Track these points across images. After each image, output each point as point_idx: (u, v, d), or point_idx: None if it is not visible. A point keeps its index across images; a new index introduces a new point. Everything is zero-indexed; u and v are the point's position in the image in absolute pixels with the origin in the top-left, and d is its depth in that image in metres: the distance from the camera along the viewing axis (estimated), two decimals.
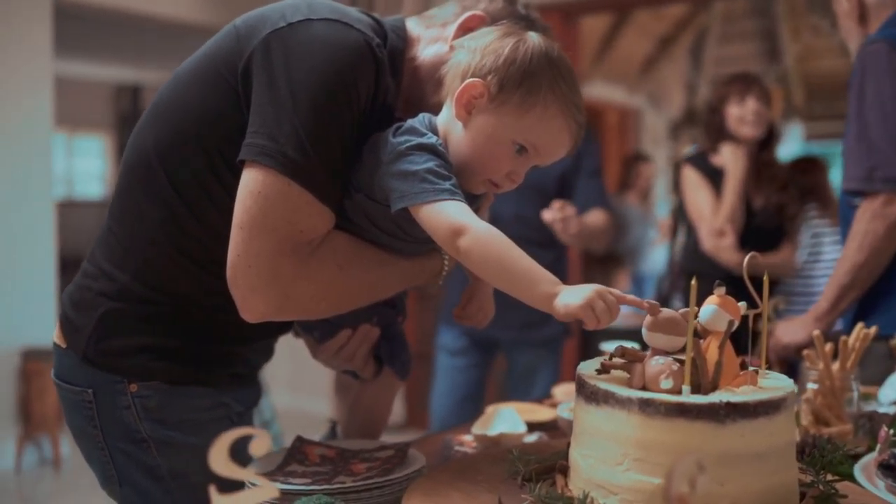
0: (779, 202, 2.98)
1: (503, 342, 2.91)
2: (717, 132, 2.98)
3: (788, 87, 7.72)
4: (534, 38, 1.16)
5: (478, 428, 1.47)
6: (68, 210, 7.45)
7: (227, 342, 1.29)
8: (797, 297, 3.18)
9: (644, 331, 1.00)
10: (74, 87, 9.08)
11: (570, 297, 0.99)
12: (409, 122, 1.19)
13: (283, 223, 1.12)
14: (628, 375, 0.99)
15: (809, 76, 7.68)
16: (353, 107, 1.14)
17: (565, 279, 1.26)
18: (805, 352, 1.50)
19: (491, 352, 2.96)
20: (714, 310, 0.97)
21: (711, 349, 0.98)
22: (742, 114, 2.91)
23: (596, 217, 2.76)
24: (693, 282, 0.93)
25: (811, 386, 1.45)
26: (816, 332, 1.45)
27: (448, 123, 1.19)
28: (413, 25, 1.34)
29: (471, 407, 2.81)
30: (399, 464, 1.24)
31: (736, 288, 1.04)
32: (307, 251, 1.14)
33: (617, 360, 1.02)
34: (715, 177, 2.96)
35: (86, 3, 4.55)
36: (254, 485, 0.81)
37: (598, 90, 7.63)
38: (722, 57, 7.89)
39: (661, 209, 7.23)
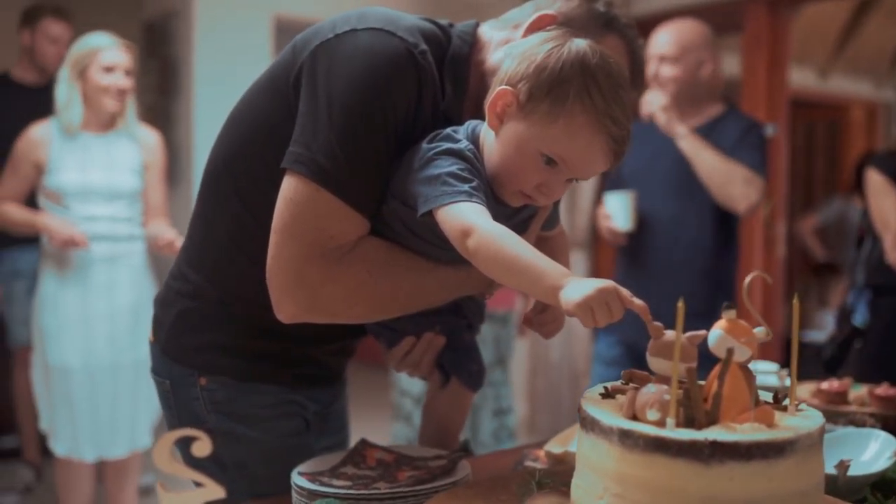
0: None
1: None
2: None
3: None
4: (574, 45, 1.10)
5: (554, 443, 1.41)
6: None
7: (293, 342, 1.33)
8: None
9: (647, 355, 0.92)
10: None
11: (572, 292, 0.92)
12: (449, 129, 1.18)
13: (312, 228, 1.14)
14: None
15: None
16: (387, 114, 1.14)
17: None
18: None
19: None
20: (718, 335, 0.87)
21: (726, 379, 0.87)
22: None
23: None
24: (680, 303, 0.83)
25: None
26: None
27: (486, 133, 1.17)
28: (487, 29, 1.32)
29: None
30: (445, 474, 1.23)
31: None
32: (336, 256, 1.16)
33: (625, 385, 0.94)
34: None
35: (303, 18, 4.88)
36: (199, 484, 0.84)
37: (840, 84, 6.99)
38: None
39: None
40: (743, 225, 3.74)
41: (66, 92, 2.92)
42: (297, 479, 1.20)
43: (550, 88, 1.07)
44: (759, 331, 0.88)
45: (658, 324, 0.90)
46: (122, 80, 2.96)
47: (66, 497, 3.04)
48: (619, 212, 2.69)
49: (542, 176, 1.12)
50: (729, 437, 0.81)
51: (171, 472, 0.80)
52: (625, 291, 0.92)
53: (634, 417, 0.88)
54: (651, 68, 2.71)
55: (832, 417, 1.52)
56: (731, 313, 0.87)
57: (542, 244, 1.40)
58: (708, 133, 2.69)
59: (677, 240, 2.68)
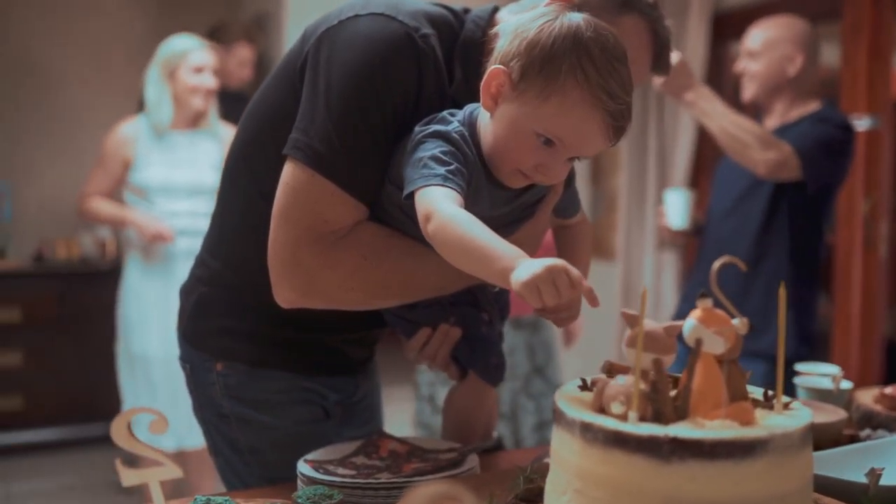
0: None
1: None
2: None
3: None
4: (567, 19, 1.05)
5: None
6: None
7: (307, 330, 1.34)
8: None
9: (623, 346, 0.87)
10: None
11: (521, 272, 0.89)
12: (446, 112, 1.16)
13: (307, 213, 1.15)
14: None
15: None
16: (384, 99, 1.14)
17: None
18: None
19: None
20: (692, 325, 0.81)
21: (697, 372, 0.82)
22: None
23: None
24: (643, 291, 0.78)
25: None
26: None
27: (483, 112, 1.14)
28: (505, 14, 1.29)
29: None
30: (450, 467, 1.21)
31: None
32: (331, 240, 1.16)
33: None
34: None
35: None
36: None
37: None
38: None
39: None
40: (841, 224, 3.54)
41: (156, 92, 3.04)
42: (302, 465, 1.20)
43: (542, 65, 1.03)
44: (737, 322, 0.82)
45: (630, 311, 0.85)
46: (209, 81, 3.07)
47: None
48: (675, 210, 2.58)
49: (540, 156, 1.08)
50: (691, 433, 0.75)
51: (129, 448, 0.82)
52: (575, 271, 0.88)
53: (602, 410, 0.83)
54: (738, 64, 2.64)
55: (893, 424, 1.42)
56: (706, 302, 0.81)
57: (561, 232, 1.36)
58: (783, 132, 2.56)
59: (742, 244, 2.55)
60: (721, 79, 4.02)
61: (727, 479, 0.75)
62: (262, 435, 1.34)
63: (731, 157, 2.46)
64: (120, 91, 4.40)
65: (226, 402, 1.35)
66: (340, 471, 1.21)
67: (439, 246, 1.02)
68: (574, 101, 1.03)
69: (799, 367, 1.65)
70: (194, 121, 3.13)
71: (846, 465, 1.14)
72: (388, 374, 1.75)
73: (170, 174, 3.05)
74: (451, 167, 1.06)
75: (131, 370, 3.10)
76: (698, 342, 0.79)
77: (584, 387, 0.91)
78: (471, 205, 1.12)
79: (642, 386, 0.80)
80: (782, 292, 0.82)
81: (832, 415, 1.39)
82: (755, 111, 2.87)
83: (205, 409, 1.38)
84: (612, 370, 0.91)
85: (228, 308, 1.35)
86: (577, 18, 1.06)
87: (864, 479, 1.05)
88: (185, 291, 1.42)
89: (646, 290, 0.78)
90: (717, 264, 0.81)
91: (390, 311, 1.33)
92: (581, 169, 4.51)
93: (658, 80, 2.32)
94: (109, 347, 3.31)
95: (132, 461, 0.89)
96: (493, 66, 1.08)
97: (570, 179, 1.27)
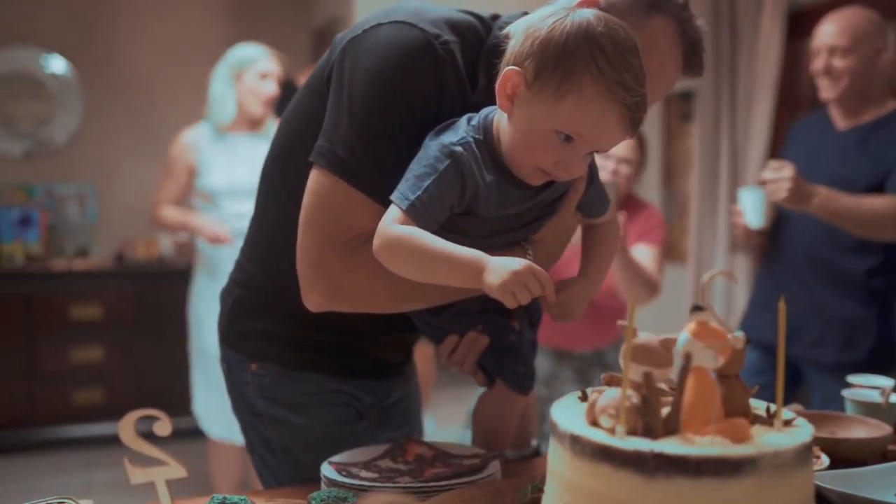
0: None
1: (803, 365, 2.55)
2: None
3: None
4: (577, 15, 1.05)
5: None
6: None
7: (337, 333, 1.36)
8: None
9: (619, 358, 0.86)
10: None
11: (492, 278, 1.03)
12: (464, 117, 1.17)
13: (331, 219, 1.17)
14: None
15: None
16: (404, 105, 1.16)
17: None
18: None
19: (794, 377, 2.60)
20: (685, 339, 0.80)
21: (689, 386, 0.80)
22: None
23: None
24: (631, 301, 0.77)
25: None
26: None
27: (500, 116, 1.14)
28: None
29: None
30: (470, 473, 1.21)
31: None
32: (355, 245, 1.18)
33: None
34: None
35: None
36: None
37: None
38: None
39: None
40: None
41: (220, 91, 3.15)
42: (325, 467, 1.23)
43: (556, 63, 1.04)
44: (736, 336, 0.80)
45: (623, 322, 0.84)
46: (271, 88, 3.16)
47: (216, 476, 3.26)
48: (751, 209, 2.51)
49: (560, 153, 1.09)
50: (676, 449, 0.74)
51: (136, 448, 0.85)
52: (541, 271, 1.01)
53: (596, 423, 0.83)
54: (819, 62, 2.50)
55: None
56: (702, 315, 0.80)
57: (588, 232, 1.35)
58: (870, 134, 2.45)
59: (838, 244, 2.46)
60: (797, 77, 3.90)
61: (715, 497, 0.74)
62: (294, 435, 1.37)
63: (870, 238, 2.39)
64: (200, 96, 4.54)
65: (260, 401, 1.38)
66: (363, 473, 1.22)
67: (390, 262, 1.11)
68: (590, 97, 1.03)
69: (851, 378, 1.59)
70: (253, 125, 3.22)
71: (879, 483, 1.09)
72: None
73: (232, 176, 3.14)
74: (424, 195, 1.10)
75: (200, 367, 3.21)
76: (688, 356, 0.77)
77: (584, 398, 0.90)
78: (483, 205, 1.14)
79: (634, 399, 0.79)
80: (782, 306, 0.79)
81: (876, 430, 1.34)
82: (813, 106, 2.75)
83: (241, 409, 1.43)
84: (611, 382, 0.90)
85: (262, 311, 1.39)
86: (587, 14, 1.06)
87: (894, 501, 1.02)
88: (224, 294, 1.46)
89: (633, 304, 0.77)
90: (705, 277, 0.80)
91: (418, 317, 1.34)
92: (652, 171, 4.43)
93: (782, 196, 2.29)
94: (184, 345, 3.43)
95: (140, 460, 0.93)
96: (507, 68, 1.08)
97: (593, 175, 1.27)
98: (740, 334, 0.80)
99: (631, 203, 2.56)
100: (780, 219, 2.60)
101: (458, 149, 1.11)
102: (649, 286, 2.40)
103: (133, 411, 0.86)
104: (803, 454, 0.78)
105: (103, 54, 4.89)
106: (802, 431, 0.81)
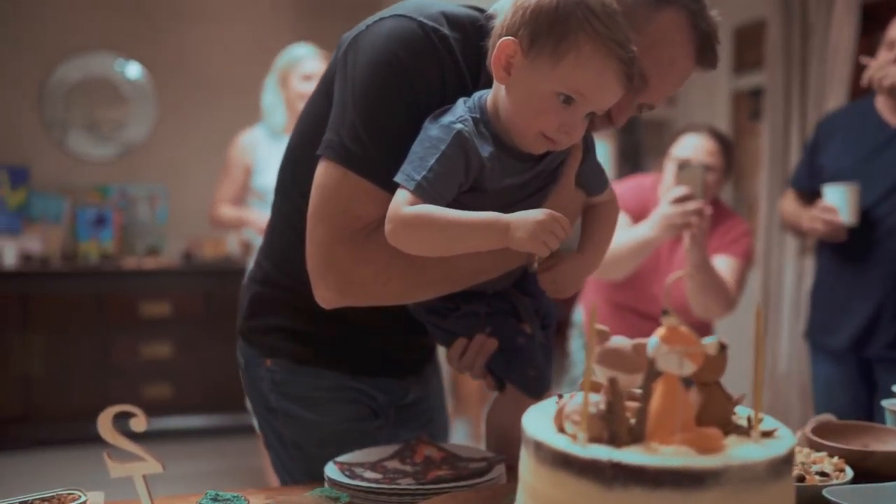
0: None
1: (873, 358, 2.43)
2: None
3: None
4: None
5: None
6: None
7: (349, 331, 1.37)
8: None
9: (595, 364, 0.83)
10: None
11: (520, 233, 1.07)
12: (459, 101, 1.18)
13: (340, 211, 1.18)
14: None
15: None
16: (407, 94, 1.16)
17: None
18: None
19: (864, 373, 2.47)
20: (654, 344, 0.76)
21: (657, 393, 0.77)
22: None
23: None
24: (592, 306, 0.75)
25: None
26: None
27: (496, 90, 1.15)
28: None
29: None
30: (474, 476, 1.20)
31: None
32: (363, 235, 1.19)
33: None
34: None
35: None
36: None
37: None
38: None
39: None
40: None
41: (271, 98, 3.22)
42: (329, 465, 1.23)
43: (551, 27, 1.07)
44: (710, 341, 0.77)
45: (603, 327, 0.81)
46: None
47: (268, 470, 3.32)
48: (842, 205, 2.39)
49: (562, 116, 1.11)
50: (635, 458, 0.71)
51: (114, 443, 0.86)
52: (560, 215, 1.07)
53: (562, 430, 0.80)
54: (889, 54, 2.36)
55: None
56: (670, 319, 0.76)
57: (588, 211, 1.33)
58: None
59: None
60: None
61: None
62: (306, 431, 1.38)
63: None
64: None
65: (273, 397, 1.40)
66: (368, 474, 1.22)
67: (406, 243, 1.12)
68: (588, 54, 1.06)
69: None
70: None
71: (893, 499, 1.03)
72: None
73: None
74: (429, 175, 1.11)
75: None
76: (652, 362, 0.74)
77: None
78: (489, 178, 1.15)
79: (602, 406, 0.77)
80: (759, 312, 0.75)
81: None
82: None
83: (256, 404, 1.44)
84: (592, 388, 0.87)
85: (277, 307, 1.40)
86: None
87: None
88: (243, 290, 1.49)
89: (595, 306, 0.74)
90: (669, 279, 0.76)
91: (427, 319, 1.33)
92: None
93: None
94: None
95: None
96: (500, 39, 1.10)
97: (590, 148, 1.27)
98: (713, 340, 0.77)
99: (716, 211, 2.42)
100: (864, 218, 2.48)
101: (459, 125, 1.12)
102: (725, 299, 2.28)
103: (110, 408, 0.87)
104: (779, 467, 0.74)
105: (175, 59, 5.03)
106: (781, 444, 0.77)
